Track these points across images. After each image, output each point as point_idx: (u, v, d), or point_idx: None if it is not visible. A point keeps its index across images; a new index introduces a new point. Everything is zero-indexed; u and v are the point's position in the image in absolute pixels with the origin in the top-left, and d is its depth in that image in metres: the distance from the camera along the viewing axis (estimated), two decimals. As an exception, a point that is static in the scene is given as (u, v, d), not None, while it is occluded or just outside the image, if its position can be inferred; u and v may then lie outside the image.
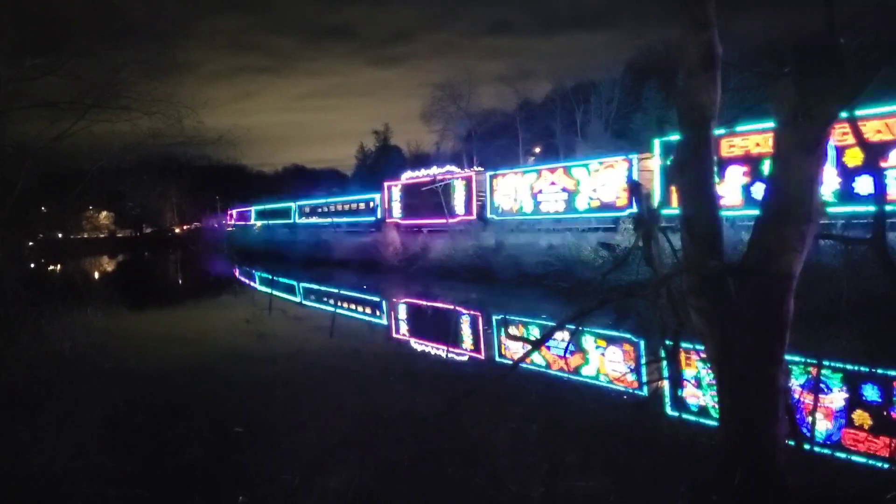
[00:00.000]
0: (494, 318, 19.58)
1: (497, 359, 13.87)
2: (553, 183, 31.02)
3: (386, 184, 43.97)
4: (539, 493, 6.19)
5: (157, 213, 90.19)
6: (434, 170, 39.62)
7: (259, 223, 68.12)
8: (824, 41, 4.71)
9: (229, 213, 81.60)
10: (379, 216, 44.28)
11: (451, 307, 22.23)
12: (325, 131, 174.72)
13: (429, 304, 24.00)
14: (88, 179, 21.41)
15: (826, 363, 10.89)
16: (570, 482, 6.35)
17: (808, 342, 9.29)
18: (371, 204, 46.29)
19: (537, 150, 57.77)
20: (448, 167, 39.94)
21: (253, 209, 72.22)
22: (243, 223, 73.67)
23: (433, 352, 14.97)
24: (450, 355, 14.02)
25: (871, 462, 7.18)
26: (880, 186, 5.01)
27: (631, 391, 10.65)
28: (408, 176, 42.03)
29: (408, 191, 41.12)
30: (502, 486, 6.38)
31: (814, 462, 6.46)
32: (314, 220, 54.63)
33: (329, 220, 51.56)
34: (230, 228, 74.04)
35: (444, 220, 35.96)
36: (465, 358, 14.04)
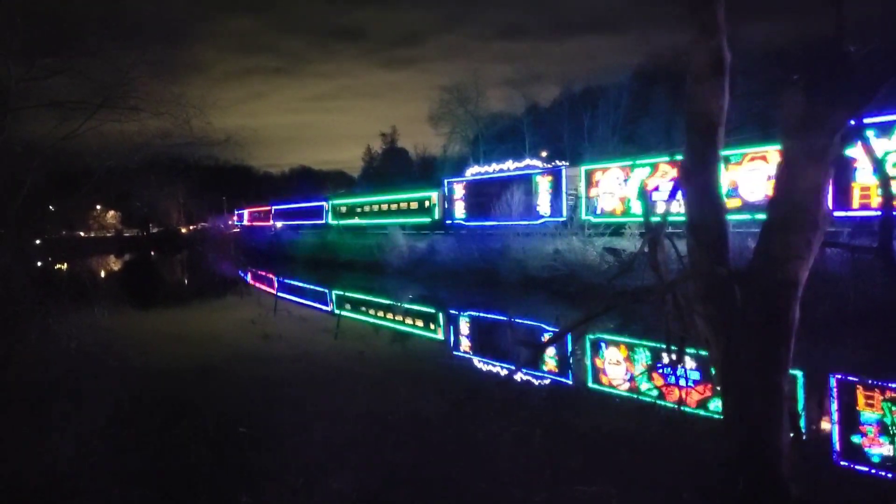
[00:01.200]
0: (499, 321, 19.57)
1: (501, 362, 13.86)
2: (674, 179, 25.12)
3: (446, 180, 39.22)
4: (542, 498, 6.18)
5: (164, 213, 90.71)
6: (509, 164, 34.70)
7: (279, 224, 63.06)
8: (833, 49, 4.70)
9: (237, 213, 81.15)
10: (437, 217, 39.46)
11: (457, 309, 22.22)
12: (332, 133, 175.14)
13: (434, 307, 23.99)
14: (96, 179, 21.58)
15: (831, 372, 10.85)
16: (573, 487, 6.34)
17: (813, 350, 9.25)
18: (426, 203, 40.82)
19: (544, 154, 57.74)
20: (528, 160, 34.48)
21: (272, 209, 66.87)
22: (258, 224, 69.35)
23: (437, 355, 14.98)
24: (453, 358, 14.02)
25: (874, 471, 7.15)
26: (887, 194, 4.99)
27: (635, 396, 10.62)
28: (475, 171, 37.21)
29: (474, 188, 36.11)
30: (505, 490, 6.38)
31: (818, 470, 6.44)
32: (353, 220, 48.76)
33: (372, 220, 45.97)
34: (236, 230, 73.53)
35: (523, 223, 30.15)
36: (469, 361, 14.03)
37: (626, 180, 27.47)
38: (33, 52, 18.95)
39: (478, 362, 13.93)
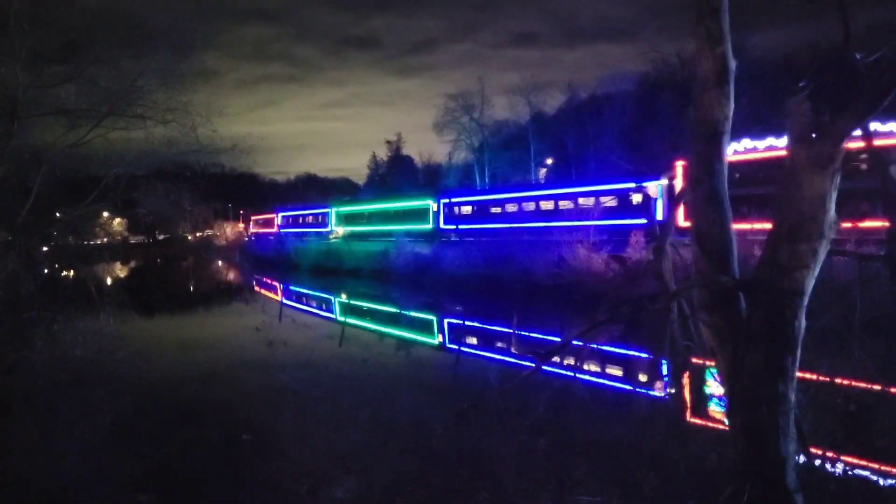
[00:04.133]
0: (503, 328, 19.49)
1: (505, 370, 13.79)
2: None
3: (679, 163, 24.69)
4: (546, 508, 6.15)
5: (170, 220, 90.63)
6: None
7: (341, 230, 50.54)
8: (840, 57, 4.69)
9: (253, 219, 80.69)
10: (659, 217, 26.62)
11: (458, 316, 22.15)
12: (340, 141, 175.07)
13: (435, 313, 23.92)
14: (103, 186, 21.64)
15: (838, 381, 10.75)
16: (577, 497, 6.30)
17: (819, 359, 9.18)
18: (631, 199, 28.91)
19: (549, 161, 57.86)
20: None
21: (333, 211, 53.63)
22: (296, 231, 58.48)
23: (440, 362, 14.92)
24: (457, 366, 13.96)
25: (881, 481, 7.08)
26: (894, 202, 4.96)
27: (639, 406, 10.56)
28: (744, 147, 23.83)
29: (739, 174, 22.80)
30: (509, 499, 6.34)
31: (824, 481, 6.38)
32: (484, 224, 35.86)
33: (524, 223, 33.09)
34: (246, 238, 72.91)
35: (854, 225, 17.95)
36: (472, 369, 13.97)
37: None
38: (41, 60, 19.12)
39: (479, 370, 13.87)
